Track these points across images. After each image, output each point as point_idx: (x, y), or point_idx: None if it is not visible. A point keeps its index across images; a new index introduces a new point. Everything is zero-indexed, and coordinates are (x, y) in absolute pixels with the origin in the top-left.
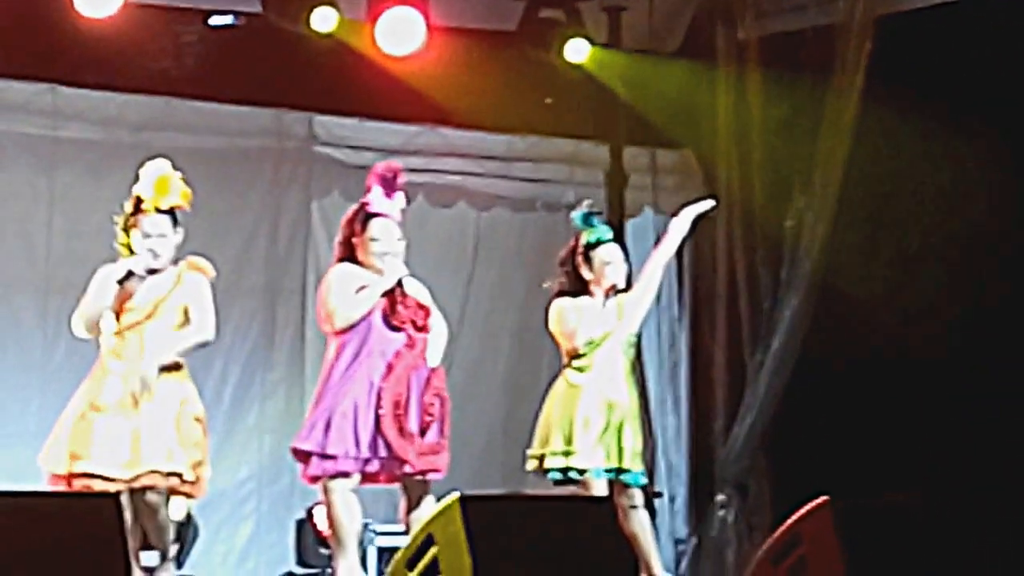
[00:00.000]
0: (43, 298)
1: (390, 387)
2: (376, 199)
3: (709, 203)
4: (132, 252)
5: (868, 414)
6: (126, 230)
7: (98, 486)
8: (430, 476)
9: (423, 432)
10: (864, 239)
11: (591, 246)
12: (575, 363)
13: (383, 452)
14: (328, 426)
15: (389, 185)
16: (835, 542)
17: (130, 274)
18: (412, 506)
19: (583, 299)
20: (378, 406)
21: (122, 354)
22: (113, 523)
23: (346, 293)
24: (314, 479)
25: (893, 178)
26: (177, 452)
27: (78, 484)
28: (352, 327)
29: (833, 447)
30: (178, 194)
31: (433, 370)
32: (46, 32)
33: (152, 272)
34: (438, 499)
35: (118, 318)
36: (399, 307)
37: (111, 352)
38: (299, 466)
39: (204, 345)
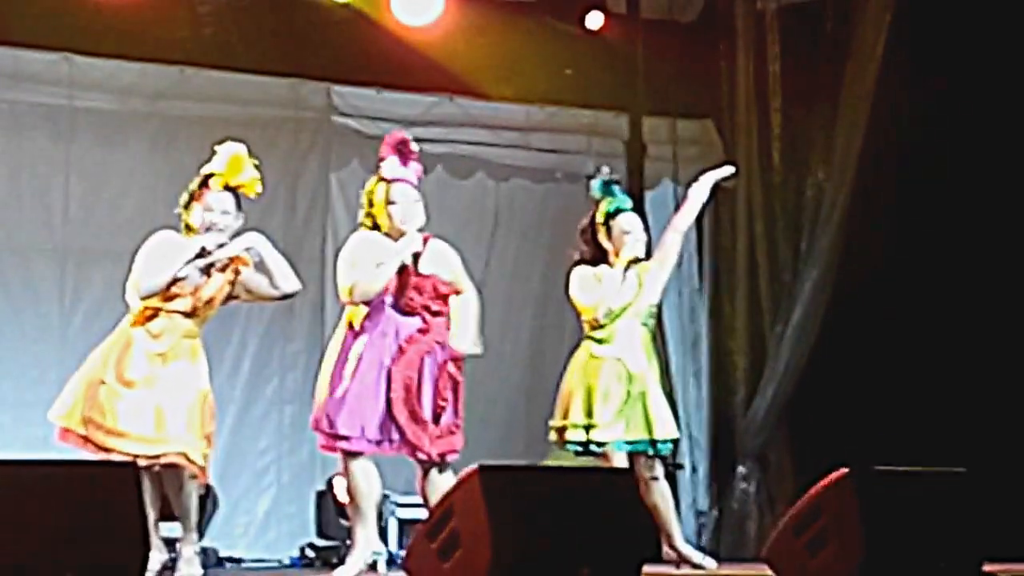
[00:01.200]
0: (60, 266)
1: (400, 371)
2: (391, 167)
3: (728, 169)
4: (191, 228)
5: (889, 385)
6: (188, 206)
7: (117, 458)
8: (449, 458)
9: (436, 418)
10: (884, 210)
11: (611, 215)
12: (596, 334)
13: (395, 435)
14: (341, 406)
15: (403, 154)
16: (856, 514)
17: (203, 251)
18: (428, 478)
19: (603, 268)
20: (389, 389)
21: (155, 333)
22: (132, 493)
23: (365, 265)
24: (330, 449)
25: (913, 148)
26: (197, 443)
27: (93, 449)
28: (370, 301)
29: (854, 418)
30: (248, 176)
31: (451, 355)
32: (62, 1)
33: (210, 266)
34: (458, 470)
35: (163, 298)
36: (413, 292)
37: (146, 330)
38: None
39: (291, 295)
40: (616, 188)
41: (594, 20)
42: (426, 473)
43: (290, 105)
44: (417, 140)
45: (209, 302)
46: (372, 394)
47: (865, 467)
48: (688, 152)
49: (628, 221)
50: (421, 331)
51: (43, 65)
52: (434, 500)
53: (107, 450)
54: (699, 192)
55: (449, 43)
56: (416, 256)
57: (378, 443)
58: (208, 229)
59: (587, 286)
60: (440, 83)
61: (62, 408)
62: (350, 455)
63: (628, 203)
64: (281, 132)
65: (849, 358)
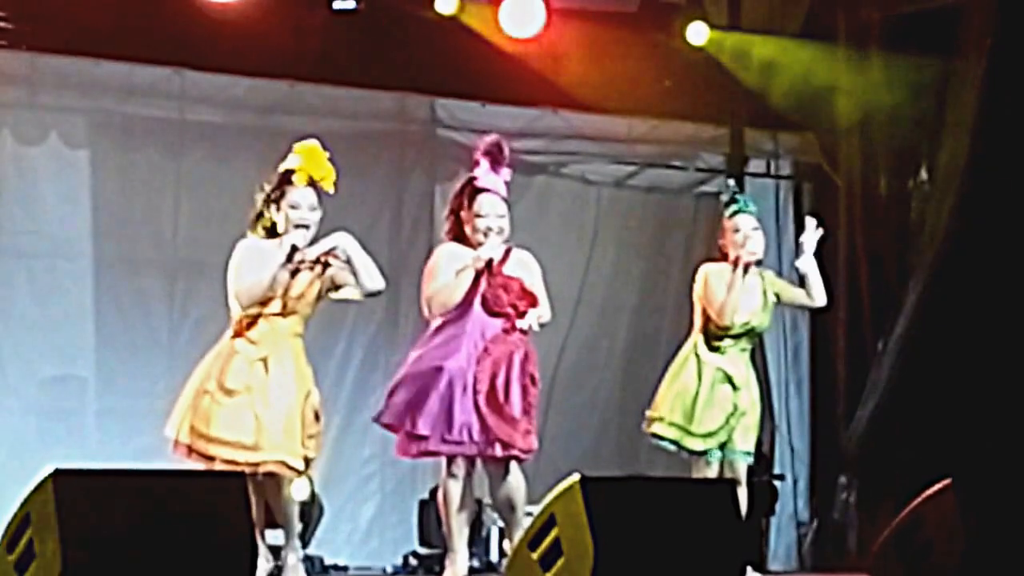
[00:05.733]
0: (170, 279)
1: (487, 370)
2: (483, 174)
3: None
4: (272, 228)
5: (993, 397)
6: (269, 204)
7: (220, 466)
8: (525, 457)
9: (526, 414)
10: (992, 221)
11: (732, 215)
12: (714, 342)
13: (478, 436)
14: (422, 406)
15: (495, 159)
16: (958, 525)
17: (294, 250)
18: (497, 485)
19: (725, 269)
20: (475, 389)
21: (255, 339)
22: (240, 502)
23: (446, 278)
24: (407, 455)
25: (1020, 155)
26: (297, 449)
27: (197, 458)
28: (449, 312)
29: (957, 429)
30: (327, 169)
31: (526, 354)
32: (172, 17)
33: (299, 264)
34: (550, 476)
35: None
36: (500, 292)
37: (246, 337)
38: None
39: (375, 294)
40: (740, 196)
41: (696, 33)
42: (502, 475)
43: (395, 118)
44: (521, 152)
45: (300, 298)
46: (458, 394)
47: (967, 479)
48: (790, 164)
49: (739, 220)
50: (506, 331)
51: (155, 79)
52: (519, 501)
53: (210, 458)
54: (808, 264)
55: (552, 56)
56: (501, 261)
57: (457, 443)
58: (297, 227)
59: (715, 288)
60: (543, 96)
61: (173, 421)
62: (447, 461)
63: (750, 207)
64: (386, 146)
65: (953, 369)
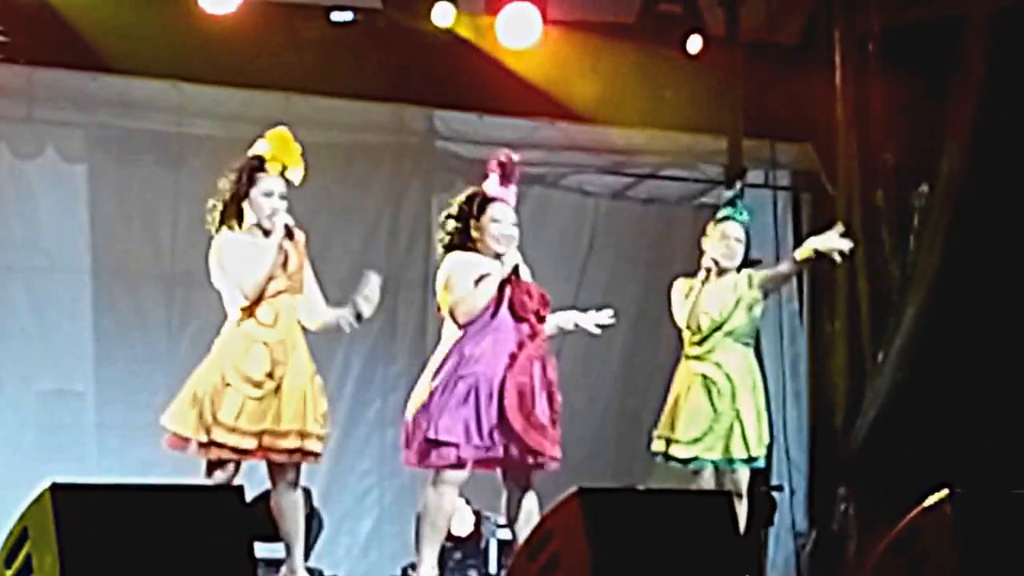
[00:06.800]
0: (168, 291)
1: (514, 377)
2: (493, 185)
3: (841, 242)
4: (240, 215)
5: (991, 409)
6: (243, 194)
7: (231, 455)
8: (551, 465)
9: (552, 422)
10: (990, 232)
11: (718, 220)
12: (691, 350)
13: (503, 441)
14: (442, 413)
15: (506, 175)
16: (954, 536)
17: (288, 229)
18: (514, 500)
19: (696, 279)
20: (502, 396)
21: (271, 323)
22: (239, 515)
23: (467, 285)
24: (428, 465)
25: (1020, 169)
26: (314, 429)
27: (220, 453)
28: (474, 320)
29: (956, 440)
30: (296, 159)
31: (545, 362)
32: (170, 30)
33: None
34: (547, 488)
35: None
36: (524, 297)
37: (257, 322)
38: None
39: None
40: (739, 202)
41: (694, 44)
42: (522, 492)
43: (392, 130)
44: (518, 163)
45: (296, 272)
46: (484, 401)
47: (965, 490)
48: (788, 175)
49: (721, 226)
50: (530, 336)
51: (152, 93)
52: (523, 518)
53: (242, 452)
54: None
55: (550, 67)
56: (516, 268)
57: (487, 448)
58: (270, 216)
59: (674, 298)
60: (541, 107)
61: (182, 419)
62: (450, 467)
63: (741, 216)
64: (384, 157)
65: (952, 380)
